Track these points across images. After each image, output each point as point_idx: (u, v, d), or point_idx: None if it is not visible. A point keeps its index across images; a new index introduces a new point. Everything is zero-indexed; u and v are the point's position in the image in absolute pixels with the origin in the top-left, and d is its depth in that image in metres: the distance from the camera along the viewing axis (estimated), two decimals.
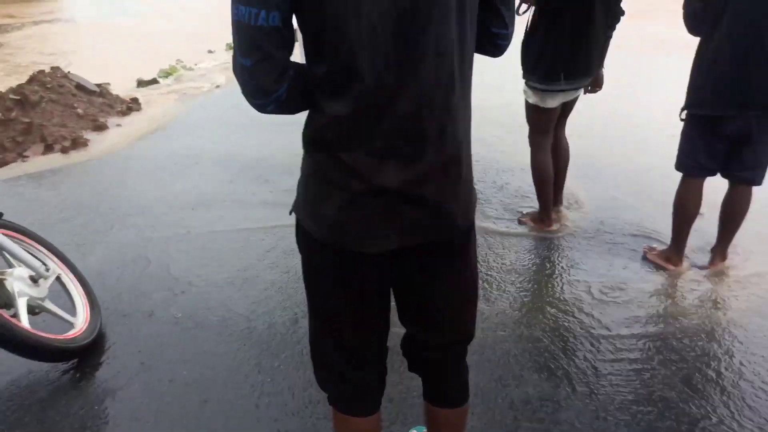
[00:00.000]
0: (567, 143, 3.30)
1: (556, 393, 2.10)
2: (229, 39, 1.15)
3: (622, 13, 2.92)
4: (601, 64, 3.04)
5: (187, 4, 14.86)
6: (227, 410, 2.05)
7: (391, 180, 1.09)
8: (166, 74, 7.37)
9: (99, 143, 4.88)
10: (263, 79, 1.05)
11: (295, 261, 2.93)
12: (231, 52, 1.29)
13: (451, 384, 1.49)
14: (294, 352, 2.33)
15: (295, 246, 1.29)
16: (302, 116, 1.18)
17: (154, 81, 7.09)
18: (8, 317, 2.02)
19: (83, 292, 2.47)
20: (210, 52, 8.92)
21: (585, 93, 3.13)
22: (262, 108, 1.12)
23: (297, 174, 1.21)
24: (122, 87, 6.54)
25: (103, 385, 2.19)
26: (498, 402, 2.06)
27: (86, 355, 2.31)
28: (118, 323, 2.53)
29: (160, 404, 2.09)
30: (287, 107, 1.12)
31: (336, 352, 1.36)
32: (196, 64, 7.91)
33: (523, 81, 2.97)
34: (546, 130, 3.06)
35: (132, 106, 5.74)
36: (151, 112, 5.76)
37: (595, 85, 3.14)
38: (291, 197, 1.25)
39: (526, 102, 3.03)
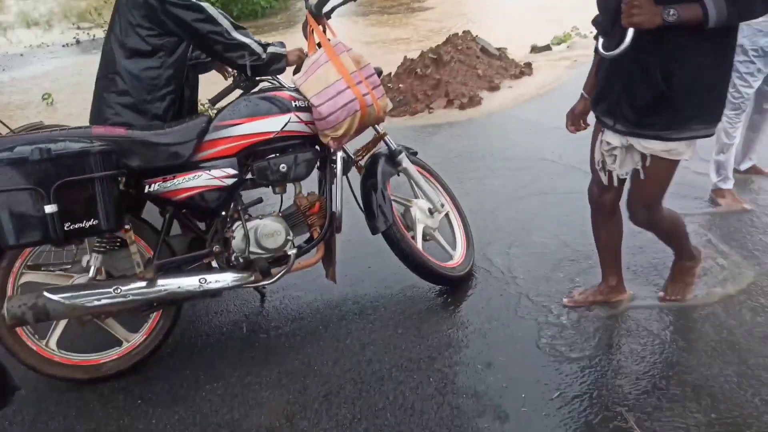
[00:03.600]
0: None
1: None
2: None
3: None
4: None
5: None
6: (578, 376, 2.09)
7: None
8: (560, 41, 7.47)
9: (490, 102, 5.33)
10: None
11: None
12: None
13: None
14: (610, 342, 2.21)
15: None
16: None
17: (547, 47, 7.28)
18: (410, 238, 2.45)
19: (464, 231, 2.79)
20: None
21: None
22: None
23: None
24: (518, 52, 6.94)
25: (467, 316, 2.46)
26: None
27: (458, 285, 2.63)
28: (486, 265, 2.79)
29: (503, 346, 2.25)
30: None
31: None
32: (591, 32, 7.78)
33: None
34: None
35: (524, 70, 6.03)
36: (540, 77, 5.96)
37: None
38: None
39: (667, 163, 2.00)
